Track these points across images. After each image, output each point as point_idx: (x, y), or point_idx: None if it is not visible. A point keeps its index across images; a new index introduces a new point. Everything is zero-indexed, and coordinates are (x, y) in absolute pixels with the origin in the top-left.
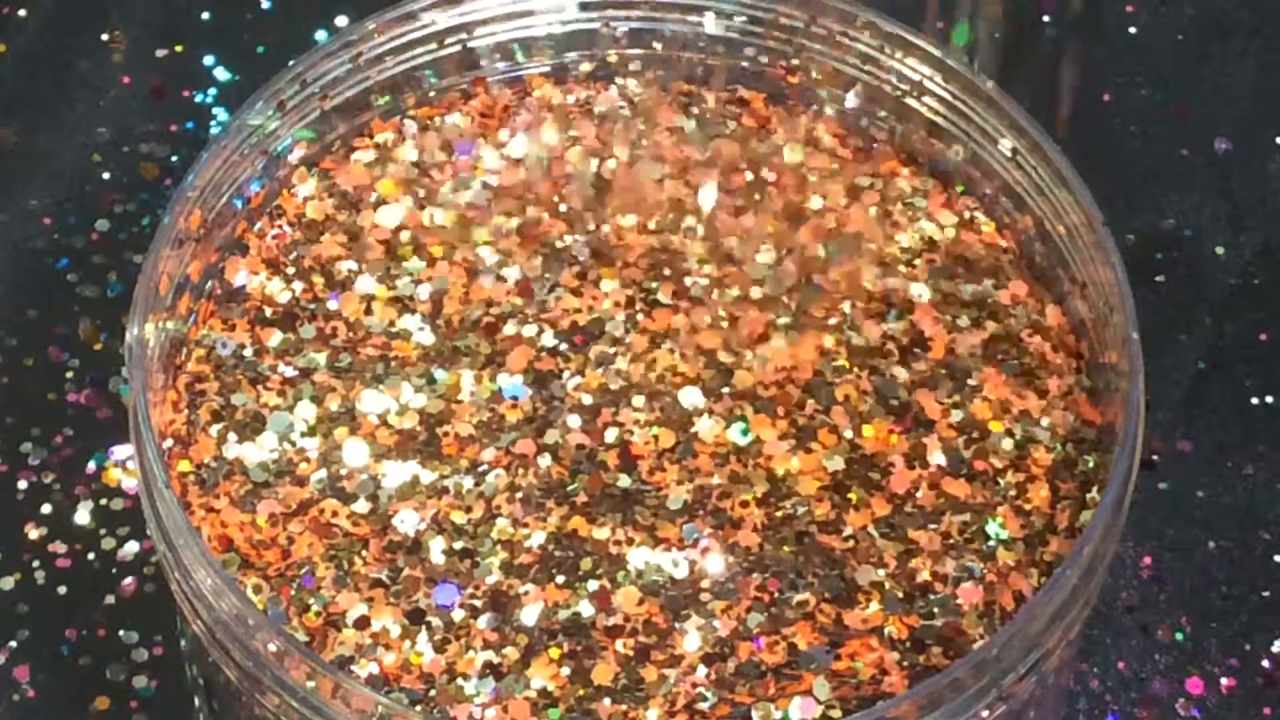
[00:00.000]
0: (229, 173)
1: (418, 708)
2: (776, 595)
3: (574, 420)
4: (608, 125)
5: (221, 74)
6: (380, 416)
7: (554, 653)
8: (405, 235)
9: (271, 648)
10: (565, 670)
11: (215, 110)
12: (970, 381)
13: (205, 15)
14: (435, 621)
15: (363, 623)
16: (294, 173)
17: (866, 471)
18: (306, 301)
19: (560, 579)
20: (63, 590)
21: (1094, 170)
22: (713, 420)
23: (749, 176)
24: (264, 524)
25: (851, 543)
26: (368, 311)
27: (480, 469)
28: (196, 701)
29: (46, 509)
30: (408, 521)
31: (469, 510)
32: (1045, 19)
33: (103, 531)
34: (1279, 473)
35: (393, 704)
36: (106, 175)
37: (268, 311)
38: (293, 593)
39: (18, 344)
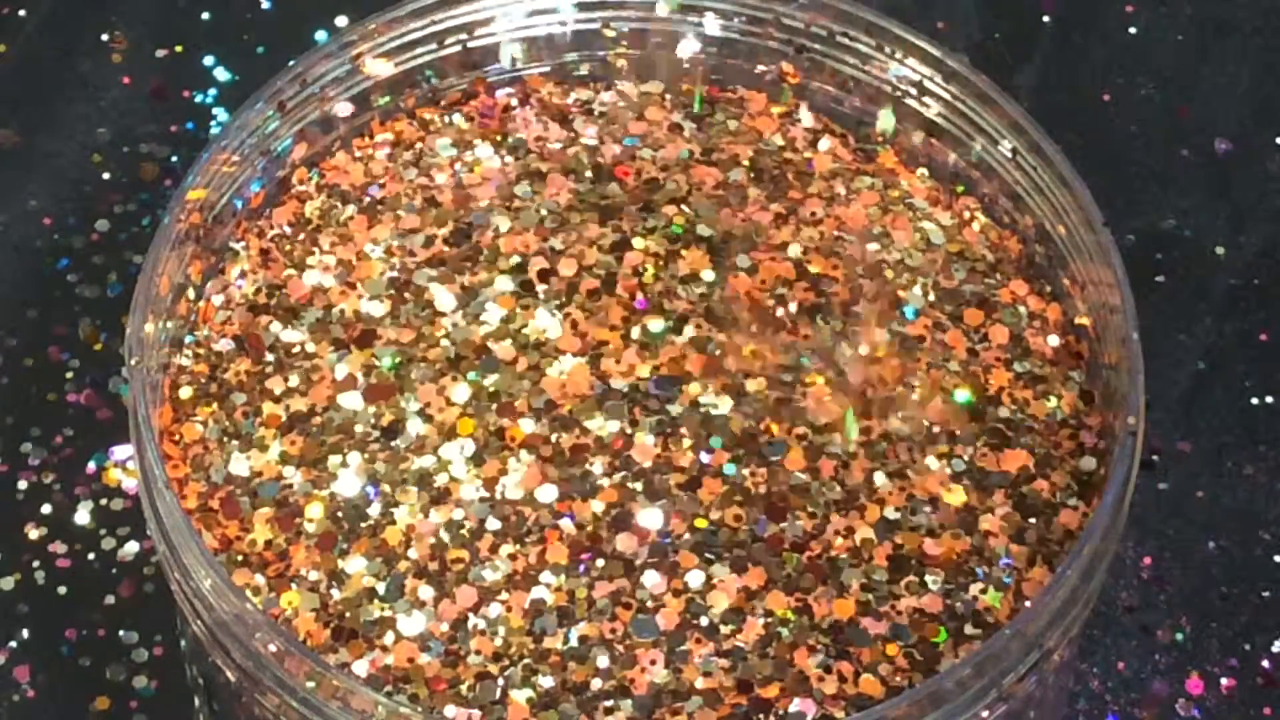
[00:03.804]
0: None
1: (418, 708)
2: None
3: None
4: None
5: (221, 74)
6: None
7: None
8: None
9: (271, 648)
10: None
11: (215, 110)
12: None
13: (205, 15)
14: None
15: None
16: (294, 173)
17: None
18: (306, 301)
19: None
20: (63, 590)
21: (1094, 170)
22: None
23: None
24: (262, 525)
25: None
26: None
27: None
28: (196, 701)
29: (46, 509)
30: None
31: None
32: (1045, 19)
33: (103, 531)
34: (1279, 473)
35: (393, 704)
36: (106, 175)
37: (267, 311)
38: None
39: (18, 344)
